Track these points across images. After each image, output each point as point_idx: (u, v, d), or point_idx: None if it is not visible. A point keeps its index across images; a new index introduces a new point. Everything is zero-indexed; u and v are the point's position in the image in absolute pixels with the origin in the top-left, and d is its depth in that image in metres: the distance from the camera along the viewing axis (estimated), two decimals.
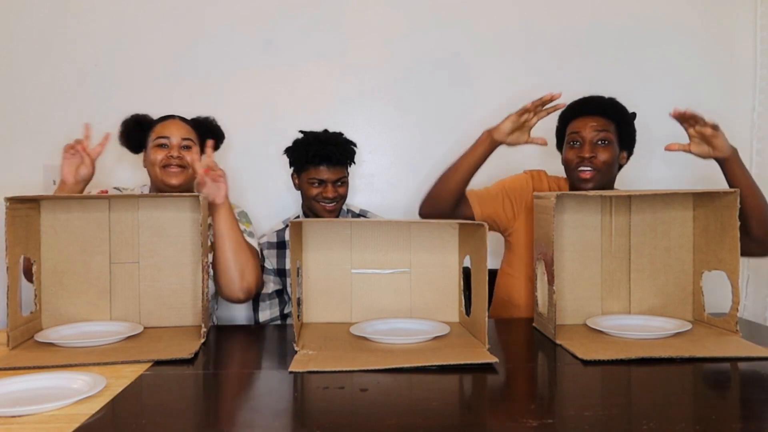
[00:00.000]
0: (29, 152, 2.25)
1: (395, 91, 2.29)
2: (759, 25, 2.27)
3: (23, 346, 1.35)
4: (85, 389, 1.02)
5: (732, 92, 2.31)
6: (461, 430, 0.92)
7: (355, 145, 1.98)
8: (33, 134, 2.25)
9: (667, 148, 1.55)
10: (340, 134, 1.96)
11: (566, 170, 1.73)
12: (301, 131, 1.97)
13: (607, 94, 2.30)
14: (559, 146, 1.78)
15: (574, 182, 1.70)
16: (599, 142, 1.65)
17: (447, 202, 1.67)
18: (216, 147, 1.85)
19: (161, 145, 1.73)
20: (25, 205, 1.43)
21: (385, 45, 2.28)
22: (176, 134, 1.75)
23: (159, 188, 1.76)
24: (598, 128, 1.66)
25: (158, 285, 1.54)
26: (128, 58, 2.25)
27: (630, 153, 1.76)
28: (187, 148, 1.75)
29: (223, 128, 2.26)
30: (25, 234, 1.43)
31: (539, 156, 1.94)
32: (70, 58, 2.25)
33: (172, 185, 1.71)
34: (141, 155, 1.82)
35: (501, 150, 1.66)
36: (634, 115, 1.77)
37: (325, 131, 1.96)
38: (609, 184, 1.71)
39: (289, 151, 1.97)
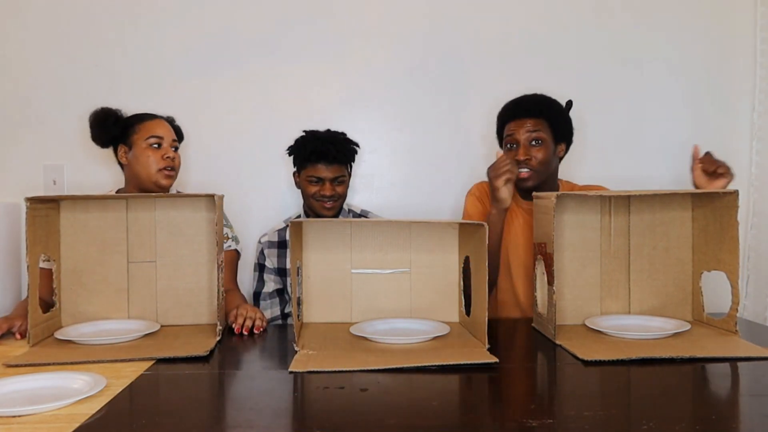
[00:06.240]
0: (29, 152, 2.25)
1: (396, 91, 2.29)
2: (759, 26, 2.27)
3: (43, 343, 1.38)
4: (85, 389, 1.02)
5: (732, 92, 2.31)
6: (461, 430, 0.92)
7: (357, 145, 1.98)
8: (33, 134, 2.25)
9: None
10: (342, 134, 1.97)
11: None
12: (304, 131, 1.97)
13: (606, 95, 2.32)
14: (501, 145, 1.84)
15: (515, 182, 1.76)
16: (533, 143, 1.72)
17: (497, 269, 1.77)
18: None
19: (155, 145, 1.73)
20: (45, 205, 1.46)
21: (385, 45, 2.28)
22: (168, 135, 1.76)
23: (145, 188, 1.74)
24: (530, 129, 1.73)
25: (175, 284, 1.56)
26: (128, 58, 2.25)
27: (569, 144, 1.82)
28: (176, 149, 1.79)
29: (224, 128, 2.29)
30: (45, 234, 1.45)
31: None
32: (70, 58, 2.25)
33: (163, 187, 1.73)
34: (105, 150, 1.80)
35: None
36: (570, 103, 1.82)
37: (328, 131, 1.96)
38: (550, 179, 1.79)
39: (290, 150, 1.98)
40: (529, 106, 1.76)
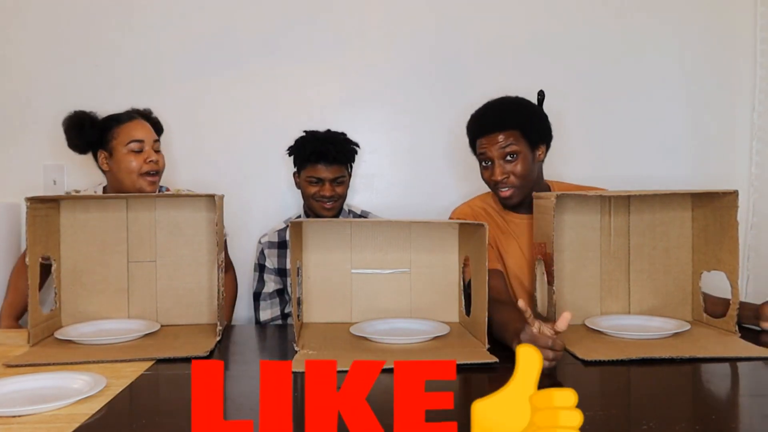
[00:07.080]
0: (29, 152, 2.25)
1: (396, 91, 2.29)
2: (759, 25, 2.27)
3: (43, 343, 1.38)
4: (85, 389, 1.02)
5: (732, 92, 2.31)
6: (461, 429, 0.92)
7: (357, 146, 1.99)
8: (33, 135, 2.25)
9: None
10: (342, 134, 1.97)
11: (488, 186, 1.69)
12: (304, 131, 1.97)
13: (606, 94, 2.31)
14: (476, 156, 1.71)
15: (499, 199, 1.67)
16: (508, 158, 1.60)
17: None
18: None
19: (136, 150, 1.69)
20: (45, 205, 1.46)
21: (385, 45, 2.28)
22: (149, 136, 1.72)
23: (125, 192, 1.71)
24: (503, 145, 1.59)
25: (175, 283, 1.57)
26: (129, 58, 2.25)
27: (548, 144, 1.67)
28: (157, 151, 1.74)
29: (225, 128, 2.29)
30: (45, 233, 1.46)
31: None
32: (70, 58, 2.25)
33: (147, 193, 1.71)
34: (82, 155, 1.79)
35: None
36: (541, 95, 1.70)
37: (328, 131, 1.96)
38: (536, 185, 1.65)
39: (290, 150, 1.98)
40: (496, 119, 1.62)
